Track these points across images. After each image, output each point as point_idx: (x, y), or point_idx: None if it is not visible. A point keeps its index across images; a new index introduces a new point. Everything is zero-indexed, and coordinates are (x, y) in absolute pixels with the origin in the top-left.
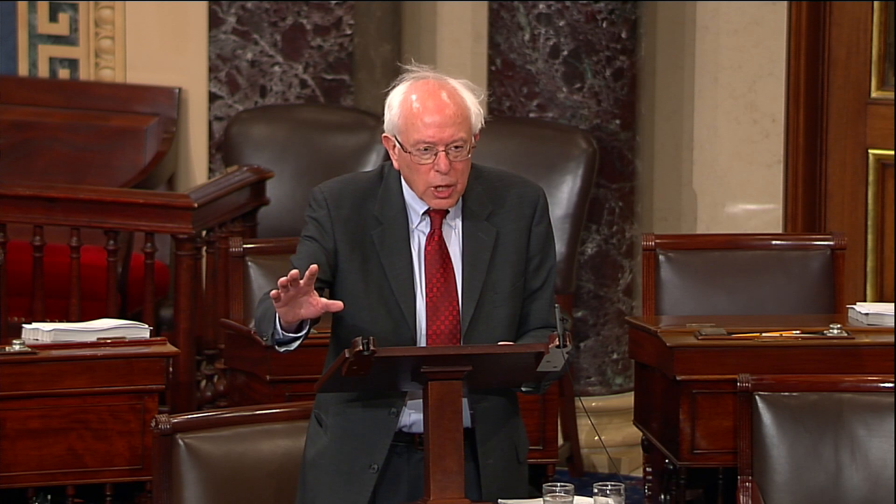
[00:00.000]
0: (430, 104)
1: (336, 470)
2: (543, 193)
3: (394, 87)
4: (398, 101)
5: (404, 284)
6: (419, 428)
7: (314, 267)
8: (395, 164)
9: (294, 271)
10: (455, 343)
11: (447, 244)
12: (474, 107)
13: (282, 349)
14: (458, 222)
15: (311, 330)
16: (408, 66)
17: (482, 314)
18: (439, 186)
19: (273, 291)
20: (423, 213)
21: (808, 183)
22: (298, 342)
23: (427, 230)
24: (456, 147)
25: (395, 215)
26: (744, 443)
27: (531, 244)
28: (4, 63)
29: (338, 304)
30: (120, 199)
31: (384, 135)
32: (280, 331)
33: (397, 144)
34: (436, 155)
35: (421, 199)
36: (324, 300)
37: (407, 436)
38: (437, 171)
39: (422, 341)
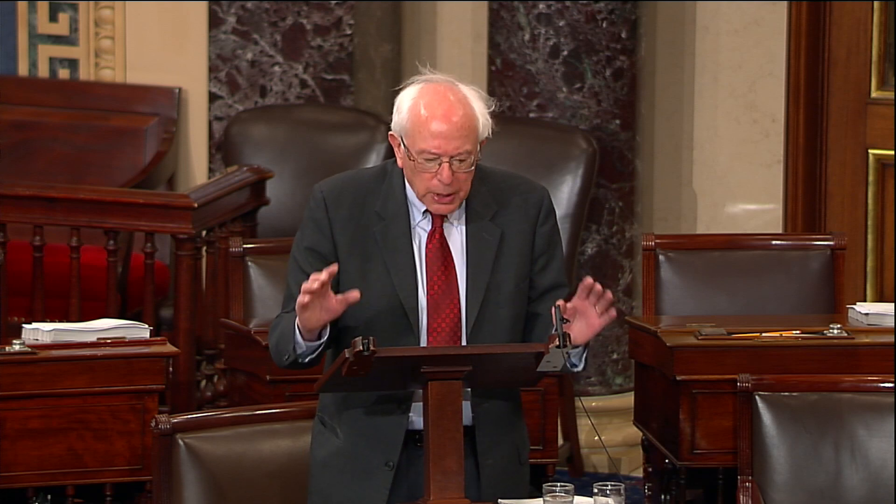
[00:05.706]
0: (439, 112)
1: (351, 469)
2: (548, 194)
3: (405, 87)
4: (407, 105)
5: (406, 280)
6: None
7: (334, 268)
8: (399, 163)
9: (316, 274)
10: (456, 341)
11: (449, 242)
12: (482, 116)
13: (307, 360)
14: (462, 221)
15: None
16: (422, 69)
17: (486, 315)
18: (440, 194)
19: (302, 298)
20: (425, 211)
21: (808, 183)
22: (320, 349)
23: (428, 227)
24: (460, 160)
25: (396, 211)
26: (744, 443)
27: (536, 245)
28: (4, 63)
29: (354, 294)
30: (120, 199)
31: (391, 133)
32: (302, 343)
33: (403, 146)
34: (440, 165)
35: (421, 201)
36: (339, 295)
37: (418, 433)
38: (440, 180)
39: (422, 338)
